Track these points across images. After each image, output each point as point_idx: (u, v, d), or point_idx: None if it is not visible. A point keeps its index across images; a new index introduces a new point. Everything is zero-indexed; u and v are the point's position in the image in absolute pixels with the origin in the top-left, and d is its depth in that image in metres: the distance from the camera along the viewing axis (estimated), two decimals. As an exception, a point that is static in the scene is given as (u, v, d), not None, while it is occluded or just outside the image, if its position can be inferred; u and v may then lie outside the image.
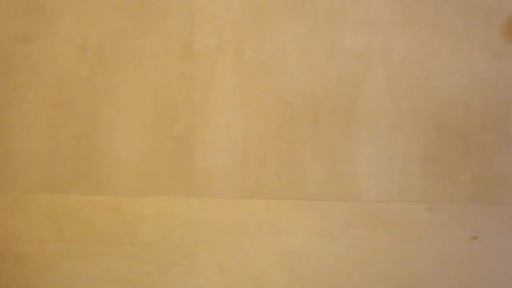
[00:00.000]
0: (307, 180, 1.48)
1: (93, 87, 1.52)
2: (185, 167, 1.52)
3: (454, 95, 1.40)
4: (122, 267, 1.59)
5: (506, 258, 1.46)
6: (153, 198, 1.55)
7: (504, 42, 1.37)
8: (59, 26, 1.50)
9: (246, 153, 1.49)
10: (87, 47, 1.50)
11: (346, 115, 1.44)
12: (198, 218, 1.55)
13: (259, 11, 1.43)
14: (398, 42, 1.40)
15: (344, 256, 1.51)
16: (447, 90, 1.40)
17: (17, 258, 1.60)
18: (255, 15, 1.44)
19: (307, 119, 1.46)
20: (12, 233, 1.60)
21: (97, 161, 1.55)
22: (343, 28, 1.41)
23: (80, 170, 1.56)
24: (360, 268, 1.51)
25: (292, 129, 1.47)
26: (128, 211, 1.57)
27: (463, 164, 1.43)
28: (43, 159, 1.56)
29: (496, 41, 1.37)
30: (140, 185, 1.55)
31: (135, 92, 1.51)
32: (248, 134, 1.49)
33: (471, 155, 1.42)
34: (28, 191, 1.57)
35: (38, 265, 1.61)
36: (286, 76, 1.45)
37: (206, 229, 1.55)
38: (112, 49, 1.49)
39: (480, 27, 1.37)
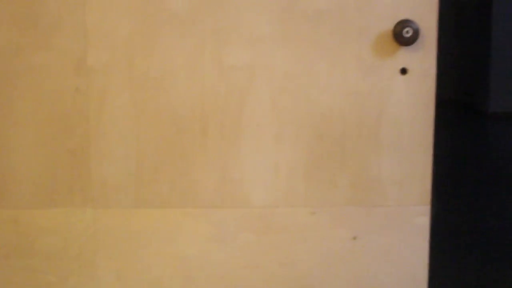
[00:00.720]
0: (199, 189, 1.56)
1: (-12, 102, 1.54)
2: (81, 178, 1.57)
3: (332, 107, 1.51)
4: (22, 279, 1.61)
5: (383, 255, 1.58)
6: (51, 210, 1.59)
7: (374, 58, 1.49)
8: (-46, 42, 1.52)
9: (140, 164, 1.55)
10: (-18, 63, 1.53)
11: (233, 127, 1.53)
12: (95, 228, 1.59)
13: (149, 29, 1.50)
14: (279, 58, 1.50)
15: (235, 260, 1.59)
16: (325, 102, 1.51)
17: None
18: (145, 32, 1.51)
19: (197, 131, 1.54)
20: None
21: (-6, 175, 1.57)
22: (228, 45, 1.50)
23: (-24, 184, 1.57)
24: (251, 270, 1.59)
25: (183, 141, 1.54)
26: (25, 223, 1.59)
27: (342, 170, 1.54)
28: None
29: (367, 57, 1.49)
30: (37, 197, 1.58)
31: (30, 107, 1.54)
32: (141, 146, 1.55)
33: (349, 162, 1.54)
34: None
35: None
36: (176, 90, 1.52)
37: (104, 238, 1.60)
38: (6, 64, 1.52)
39: (353, 44, 1.49)
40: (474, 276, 2.43)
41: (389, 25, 1.47)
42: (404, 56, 1.48)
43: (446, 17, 5.89)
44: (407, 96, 1.50)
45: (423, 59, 1.48)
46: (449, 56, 5.90)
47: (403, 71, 1.49)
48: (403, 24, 1.45)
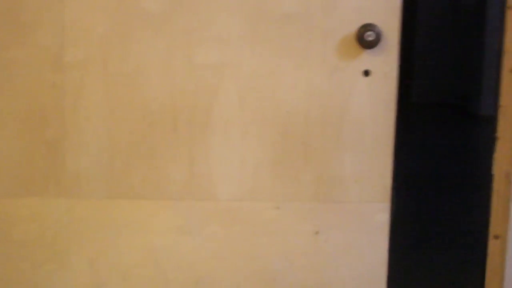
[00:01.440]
0: (168, 181, 1.62)
1: (-32, 94, 1.61)
2: (56, 170, 1.63)
3: (297, 106, 1.58)
4: (-3, 265, 1.68)
5: (344, 250, 1.64)
6: (26, 199, 1.65)
7: (338, 60, 1.55)
8: None
9: (112, 157, 1.62)
10: (-38, 57, 1.59)
11: (202, 123, 1.59)
12: (69, 217, 1.65)
13: (123, 27, 1.57)
14: (247, 58, 1.56)
15: (202, 251, 1.65)
16: (290, 101, 1.58)
17: None
18: (120, 30, 1.57)
19: (167, 126, 1.60)
20: None
21: (-28, 164, 1.63)
22: (198, 44, 1.56)
23: (-45, 172, 1.63)
24: (217, 261, 1.66)
25: (154, 135, 1.60)
26: (1, 212, 1.66)
27: (305, 167, 1.60)
28: None
29: (331, 58, 1.55)
30: (14, 187, 1.64)
31: (8, 100, 1.60)
32: (114, 139, 1.61)
33: (312, 159, 1.60)
34: None
35: None
36: (148, 86, 1.59)
37: (77, 227, 1.66)
38: (-14, 59, 1.59)
39: (318, 46, 1.55)
40: (433, 272, 2.50)
41: (353, 28, 1.53)
42: (367, 58, 1.54)
43: (439, 22, 5.95)
44: (369, 97, 1.57)
45: (385, 62, 1.55)
46: (441, 59, 5.96)
47: (366, 73, 1.56)
48: (365, 27, 1.51)
